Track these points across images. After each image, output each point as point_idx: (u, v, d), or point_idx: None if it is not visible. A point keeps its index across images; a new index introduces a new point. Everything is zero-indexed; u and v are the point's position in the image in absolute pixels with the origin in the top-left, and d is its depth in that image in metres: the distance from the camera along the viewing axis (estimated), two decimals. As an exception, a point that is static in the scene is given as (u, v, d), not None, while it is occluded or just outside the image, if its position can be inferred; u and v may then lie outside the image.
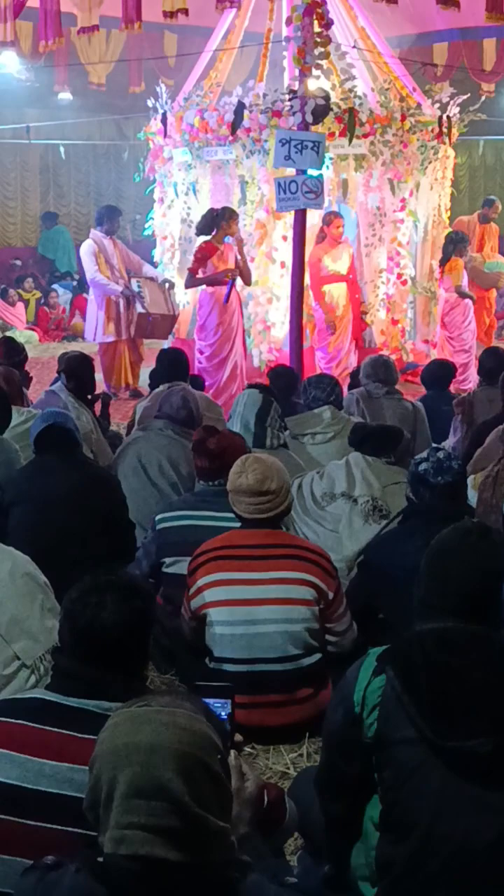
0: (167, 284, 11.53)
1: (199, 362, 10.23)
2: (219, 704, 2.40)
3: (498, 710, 2.56)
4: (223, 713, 2.39)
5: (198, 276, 10.21)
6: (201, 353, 10.31)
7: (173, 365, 7.14)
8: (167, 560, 4.74)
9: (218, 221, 10.18)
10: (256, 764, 3.94)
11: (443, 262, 11.71)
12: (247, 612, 4.07)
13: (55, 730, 2.53)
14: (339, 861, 2.80)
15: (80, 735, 2.48)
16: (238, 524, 4.31)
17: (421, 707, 2.57)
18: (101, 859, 1.91)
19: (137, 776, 1.87)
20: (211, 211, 10.54)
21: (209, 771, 1.91)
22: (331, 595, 4.13)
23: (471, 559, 2.82)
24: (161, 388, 6.76)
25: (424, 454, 4.45)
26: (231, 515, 4.48)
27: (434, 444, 5.96)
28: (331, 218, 11.02)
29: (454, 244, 11.62)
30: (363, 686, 2.69)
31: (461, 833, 2.53)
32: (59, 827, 2.41)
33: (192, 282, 10.32)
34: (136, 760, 1.88)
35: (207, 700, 2.31)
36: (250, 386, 5.98)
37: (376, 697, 2.66)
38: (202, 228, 10.37)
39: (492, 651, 2.66)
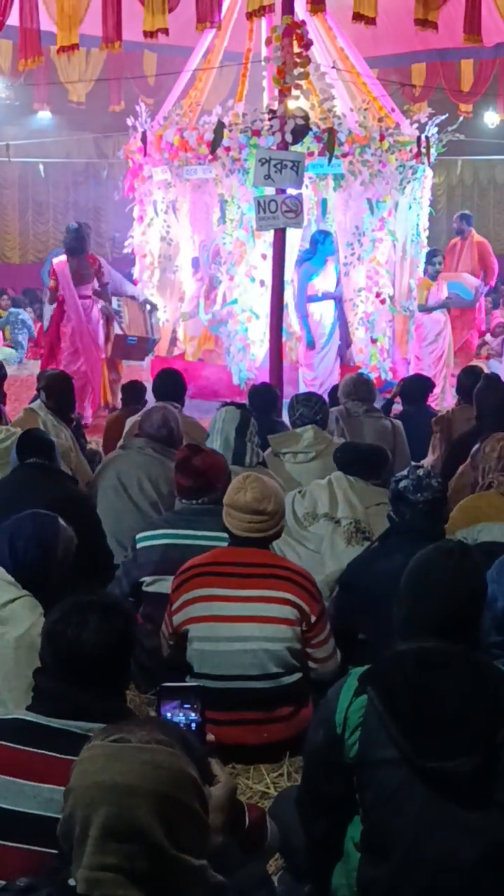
0: (148, 306, 11.55)
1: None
2: (188, 707, 2.39)
3: (478, 730, 2.57)
4: (193, 715, 2.38)
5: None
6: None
7: (166, 385, 7.13)
8: (147, 579, 4.72)
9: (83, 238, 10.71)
10: (237, 783, 3.92)
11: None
12: (228, 629, 4.07)
13: (37, 751, 2.52)
14: (320, 881, 2.79)
15: (62, 756, 2.47)
16: (222, 543, 4.31)
17: (402, 727, 2.56)
18: (72, 882, 1.87)
19: (113, 817, 1.81)
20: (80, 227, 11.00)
21: (188, 810, 1.86)
22: (313, 618, 4.12)
23: (452, 579, 2.82)
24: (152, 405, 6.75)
25: (405, 472, 4.46)
26: (213, 534, 4.48)
27: (414, 462, 5.98)
28: None
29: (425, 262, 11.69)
30: (345, 706, 2.69)
31: (442, 853, 2.52)
32: (39, 848, 2.40)
33: (107, 295, 10.52)
34: (113, 801, 1.82)
35: (175, 711, 2.31)
36: (226, 404, 5.97)
37: (358, 718, 2.66)
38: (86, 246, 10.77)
39: (472, 671, 2.66)
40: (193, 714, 2.38)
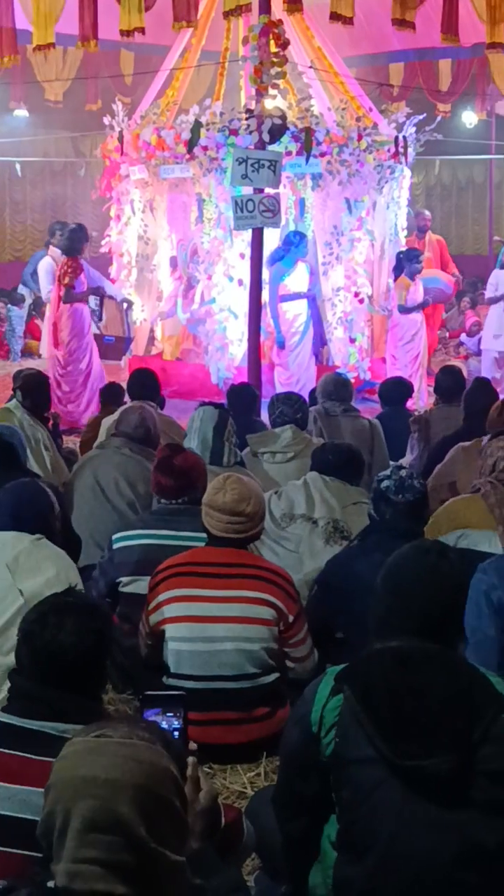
0: (125, 304, 11.53)
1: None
2: (171, 715, 2.38)
3: (456, 729, 2.57)
4: (176, 723, 2.38)
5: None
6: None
7: (141, 384, 7.12)
8: (124, 579, 4.71)
9: (84, 239, 10.56)
10: (214, 783, 3.92)
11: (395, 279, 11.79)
12: (205, 630, 4.07)
13: (13, 752, 2.51)
14: (296, 881, 2.79)
15: (37, 757, 2.46)
16: (200, 543, 4.30)
17: (379, 726, 2.57)
18: (51, 884, 1.88)
19: (95, 810, 1.83)
20: (80, 228, 10.83)
21: (168, 805, 1.88)
22: (291, 617, 4.12)
23: (429, 578, 2.82)
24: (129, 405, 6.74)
25: (388, 472, 4.46)
26: (190, 534, 4.48)
27: (397, 463, 5.99)
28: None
29: (402, 262, 11.68)
30: (321, 705, 2.69)
31: (419, 852, 2.53)
32: (16, 850, 2.39)
33: (71, 297, 10.42)
34: (94, 794, 1.83)
35: (158, 718, 2.31)
36: (203, 403, 5.96)
37: (334, 717, 2.66)
38: (77, 247, 10.61)
39: (449, 670, 2.67)
40: (176, 721, 2.38)
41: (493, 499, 4.73)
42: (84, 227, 11.33)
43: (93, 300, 10.71)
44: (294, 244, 11.06)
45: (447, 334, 15.16)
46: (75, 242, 10.77)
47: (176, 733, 2.36)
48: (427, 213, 14.31)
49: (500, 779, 2.59)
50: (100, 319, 10.89)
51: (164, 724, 2.35)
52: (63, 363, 10.57)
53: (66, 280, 10.42)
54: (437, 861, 2.52)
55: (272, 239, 10.89)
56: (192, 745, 2.45)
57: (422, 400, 11.05)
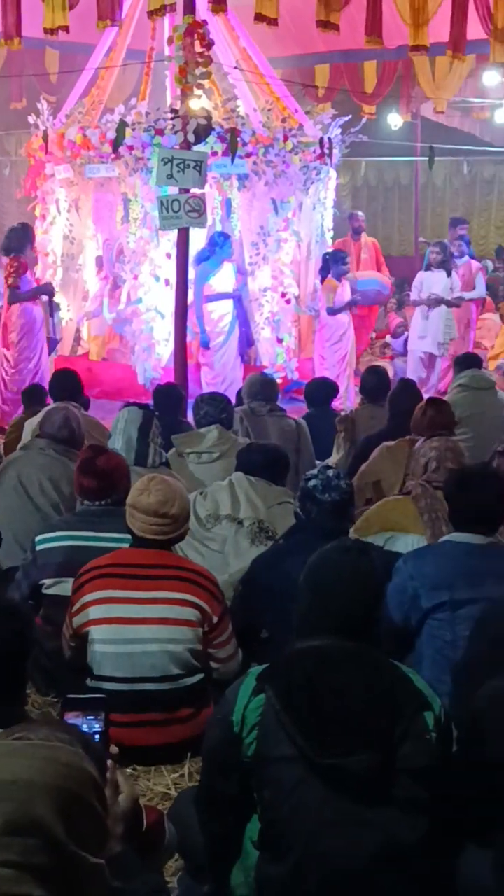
0: (55, 306, 11.43)
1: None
2: (91, 718, 2.37)
3: (376, 727, 2.59)
4: (97, 726, 2.37)
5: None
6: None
7: (62, 385, 7.07)
8: (47, 581, 4.67)
9: (26, 238, 10.43)
10: (138, 785, 3.91)
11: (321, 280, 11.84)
12: (129, 631, 4.05)
13: None
14: (218, 881, 2.79)
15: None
16: (125, 544, 4.28)
17: (300, 725, 2.58)
18: None
19: (12, 812, 1.79)
20: (23, 227, 10.73)
21: (87, 808, 1.85)
22: (215, 619, 4.12)
23: (350, 577, 2.83)
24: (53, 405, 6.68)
25: (315, 471, 4.50)
26: (114, 535, 4.45)
27: (325, 462, 6.03)
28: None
29: (329, 263, 11.74)
30: (242, 705, 2.69)
31: (340, 850, 2.54)
32: None
33: (16, 297, 10.31)
34: (11, 796, 1.80)
35: (79, 721, 2.29)
36: (128, 404, 5.94)
37: (256, 717, 2.67)
38: (16, 246, 10.47)
39: (370, 668, 2.69)
40: (97, 725, 2.37)
41: (423, 502, 4.78)
42: (28, 225, 11.22)
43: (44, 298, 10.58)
44: (219, 245, 11.07)
45: (374, 335, 15.25)
46: (14, 241, 10.66)
47: (97, 736, 2.35)
48: (360, 213, 14.40)
49: (420, 776, 2.62)
50: (51, 316, 10.79)
51: (85, 728, 2.34)
52: (13, 363, 10.42)
53: (10, 281, 10.28)
54: (358, 858, 2.54)
55: (198, 239, 10.88)
56: (114, 749, 2.44)
57: (349, 400, 11.12)
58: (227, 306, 11.30)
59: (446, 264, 11.84)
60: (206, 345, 11.14)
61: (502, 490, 4.21)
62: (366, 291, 12.50)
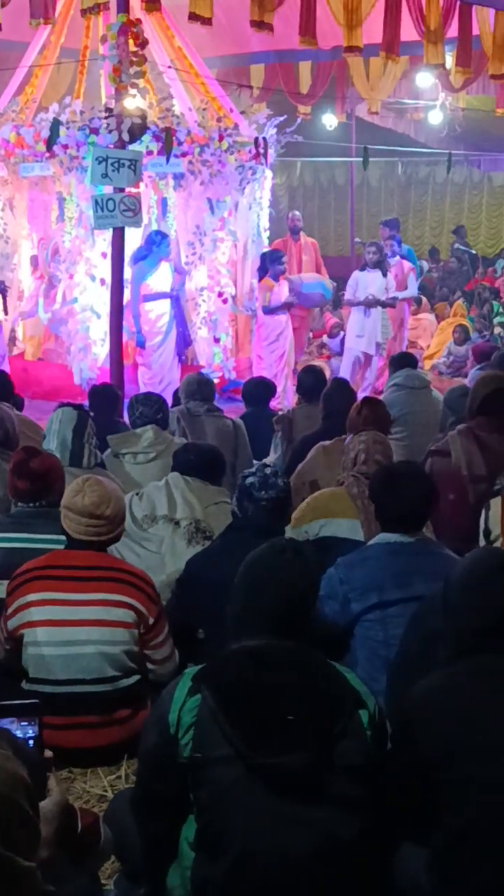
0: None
1: None
2: (25, 724, 2.36)
3: (311, 726, 2.60)
4: (30, 731, 2.35)
5: None
6: None
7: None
8: (-20, 584, 4.63)
9: None
10: (74, 787, 3.90)
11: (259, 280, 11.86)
12: (65, 633, 4.02)
13: None
14: (155, 883, 2.78)
15: None
16: (59, 546, 4.25)
17: (236, 725, 2.58)
18: None
19: None
20: None
21: (19, 811, 1.85)
22: (151, 620, 4.11)
23: (284, 576, 2.84)
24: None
25: (253, 469, 4.51)
26: (50, 537, 4.41)
27: (261, 461, 6.03)
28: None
29: (266, 263, 11.76)
30: (178, 706, 2.69)
31: (277, 849, 2.55)
32: None
33: None
34: None
35: (12, 726, 2.28)
36: (63, 404, 5.89)
37: (191, 717, 2.66)
38: None
39: (305, 668, 2.70)
40: (31, 730, 2.36)
41: (356, 489, 4.86)
42: None
43: None
44: (155, 243, 11.03)
45: (311, 335, 15.31)
46: None
47: (31, 741, 2.33)
48: (297, 213, 14.44)
49: (356, 773, 2.64)
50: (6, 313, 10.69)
51: (19, 732, 2.33)
52: None
53: None
54: (294, 857, 2.55)
55: (134, 238, 10.84)
56: (48, 753, 2.43)
57: (287, 400, 11.14)
58: (164, 306, 11.27)
59: (382, 264, 11.91)
60: (141, 344, 11.10)
61: (427, 488, 4.27)
62: (311, 295, 12.56)
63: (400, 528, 4.14)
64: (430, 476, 4.73)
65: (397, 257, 13.26)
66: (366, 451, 4.99)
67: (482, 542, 3.70)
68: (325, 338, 15.19)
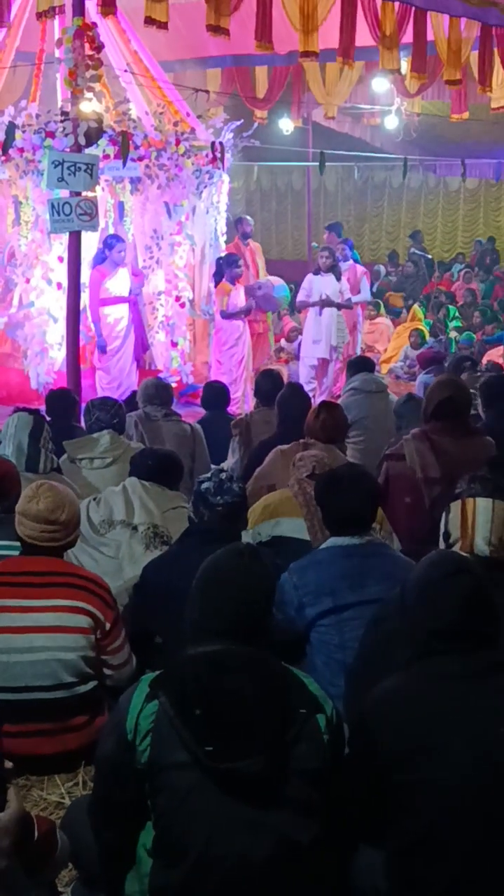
0: None
1: None
2: None
3: (269, 730, 2.61)
4: None
5: None
6: None
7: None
8: None
9: None
10: (31, 795, 3.87)
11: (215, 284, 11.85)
12: (20, 640, 3.99)
13: None
14: (112, 890, 2.77)
15: None
16: (14, 552, 4.22)
17: (193, 730, 2.58)
18: None
19: None
20: None
21: None
22: (108, 625, 4.09)
23: (241, 581, 2.85)
24: None
25: (208, 474, 4.51)
26: (4, 543, 4.38)
27: (217, 466, 6.03)
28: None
29: (223, 267, 11.75)
30: (135, 712, 2.69)
31: (235, 853, 2.55)
32: None
33: None
34: None
35: None
36: (18, 409, 5.86)
37: (149, 723, 2.66)
38: None
39: (262, 672, 2.70)
40: None
41: (301, 498, 4.91)
42: None
43: None
44: (108, 247, 11.02)
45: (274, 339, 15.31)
46: None
47: None
48: (249, 218, 14.45)
49: (313, 777, 2.65)
50: None
51: None
52: None
53: None
54: (253, 861, 2.56)
55: (91, 242, 10.80)
56: (8, 764, 2.41)
57: (247, 404, 11.14)
58: (122, 310, 11.25)
59: (335, 269, 11.92)
60: (102, 349, 11.08)
61: (371, 488, 4.31)
62: (279, 299, 12.60)
63: (348, 530, 4.17)
64: (377, 477, 4.77)
65: (350, 261, 13.33)
66: (314, 467, 5.01)
67: (441, 545, 3.72)
68: (283, 341, 15.20)
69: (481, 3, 10.77)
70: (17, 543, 4.17)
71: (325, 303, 11.65)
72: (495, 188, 23.59)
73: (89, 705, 4.06)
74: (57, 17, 9.27)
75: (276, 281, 12.85)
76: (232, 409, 9.77)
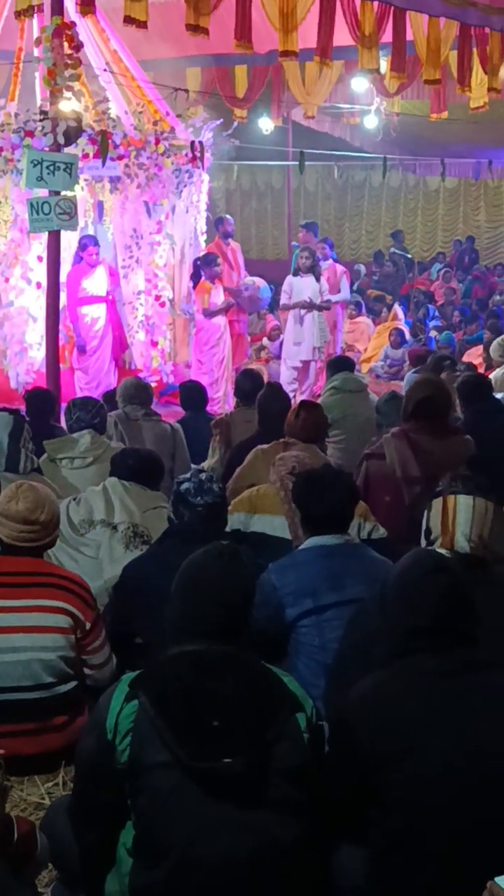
0: None
1: None
2: None
3: (249, 730, 2.61)
4: None
5: None
6: None
7: None
8: None
9: None
10: (11, 796, 3.84)
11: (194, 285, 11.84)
12: (1, 640, 3.98)
13: None
14: (93, 890, 2.77)
15: None
16: None
17: (174, 730, 2.58)
18: None
19: None
20: None
21: None
22: (88, 625, 4.09)
23: (222, 581, 2.85)
24: None
25: (188, 474, 4.49)
26: (-17, 544, 4.37)
27: (197, 466, 6.03)
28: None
29: (200, 266, 11.74)
30: (115, 712, 2.69)
31: (216, 853, 2.55)
32: None
33: None
34: None
35: None
36: (-3, 409, 5.85)
37: (129, 723, 2.66)
38: None
39: (243, 672, 2.70)
40: None
41: (284, 494, 4.88)
42: None
43: None
44: (80, 248, 11.01)
45: (249, 338, 15.32)
46: None
47: None
48: (229, 217, 14.44)
49: (294, 776, 2.65)
50: None
51: None
52: None
53: None
54: (235, 861, 2.55)
55: (70, 242, 10.78)
56: None
57: (228, 404, 11.12)
58: (100, 310, 11.24)
59: (315, 269, 11.92)
60: (82, 349, 11.06)
61: (348, 487, 4.32)
62: (262, 300, 12.62)
63: (327, 530, 4.17)
64: (357, 476, 4.78)
65: (329, 261, 13.33)
66: (293, 467, 5.01)
67: (423, 543, 3.74)
68: (265, 340, 15.20)
69: (460, 3, 10.79)
70: (-3, 544, 4.16)
71: (308, 306, 11.65)
72: (474, 188, 23.65)
73: (69, 705, 4.06)
74: (36, 15, 9.20)
75: (261, 283, 12.85)
76: (213, 408, 9.78)
